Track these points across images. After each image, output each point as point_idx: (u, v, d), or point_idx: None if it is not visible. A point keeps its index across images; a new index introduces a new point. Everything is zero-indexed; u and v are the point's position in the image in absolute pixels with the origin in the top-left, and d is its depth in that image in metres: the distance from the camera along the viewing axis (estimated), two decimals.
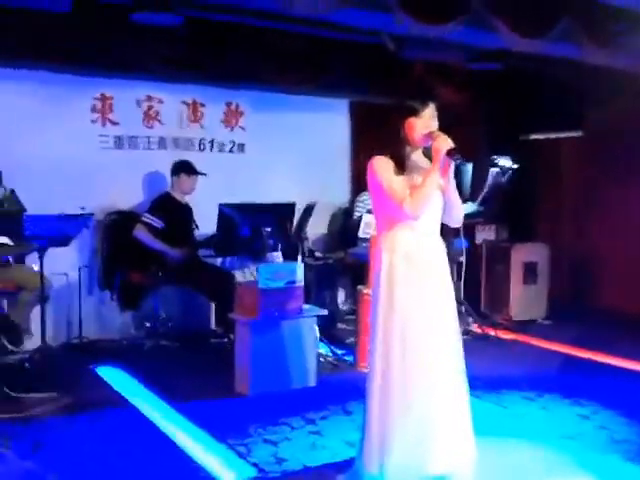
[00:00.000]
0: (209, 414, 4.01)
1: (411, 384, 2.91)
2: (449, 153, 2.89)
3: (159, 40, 5.38)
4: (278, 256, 4.56)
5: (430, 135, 2.95)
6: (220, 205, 4.75)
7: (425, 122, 2.97)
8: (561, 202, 7.05)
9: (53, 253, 4.86)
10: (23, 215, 4.30)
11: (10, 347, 5.00)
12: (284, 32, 5.69)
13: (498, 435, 3.66)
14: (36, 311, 5.05)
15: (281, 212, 5.03)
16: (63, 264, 5.45)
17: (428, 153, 3.02)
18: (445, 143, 2.90)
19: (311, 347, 4.55)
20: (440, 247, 3.06)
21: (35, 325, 4.99)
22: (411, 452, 2.89)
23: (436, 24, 3.81)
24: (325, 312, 4.71)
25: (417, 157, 3.05)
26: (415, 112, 2.98)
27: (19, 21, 4.72)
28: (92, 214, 4.58)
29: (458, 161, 2.95)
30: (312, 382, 4.53)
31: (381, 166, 2.98)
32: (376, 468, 2.92)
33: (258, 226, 4.77)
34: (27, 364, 4.75)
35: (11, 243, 4.40)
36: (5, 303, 5.06)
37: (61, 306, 5.60)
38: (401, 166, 2.98)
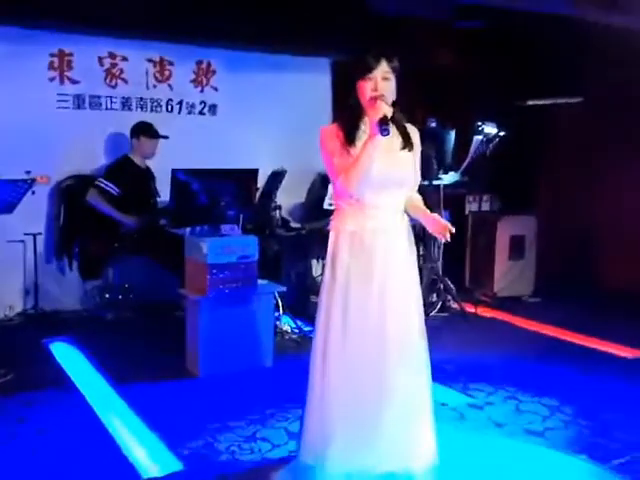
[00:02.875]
0: (152, 398, 3.75)
1: (354, 373, 2.61)
2: (380, 122, 2.44)
3: None
4: (233, 228, 4.22)
5: (371, 101, 2.54)
6: (173, 170, 4.38)
7: (374, 85, 2.56)
8: (557, 172, 6.60)
9: (7, 220, 4.58)
10: None
11: None
12: None
13: (461, 428, 3.37)
14: None
15: (243, 179, 4.64)
16: (18, 231, 5.18)
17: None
18: (379, 111, 2.49)
19: (268, 325, 4.24)
20: (399, 227, 2.68)
21: None
22: (354, 444, 2.59)
23: None
24: (283, 288, 4.39)
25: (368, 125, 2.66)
26: (363, 72, 2.58)
27: None
28: (34, 179, 4.25)
29: (385, 133, 2.50)
30: (268, 363, 4.24)
31: (325, 137, 2.62)
32: (313, 457, 2.63)
33: (216, 194, 4.40)
34: None
35: None
36: None
37: (16, 275, 5.33)
38: (349, 136, 2.60)
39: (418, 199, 2.77)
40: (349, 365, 2.60)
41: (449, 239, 2.64)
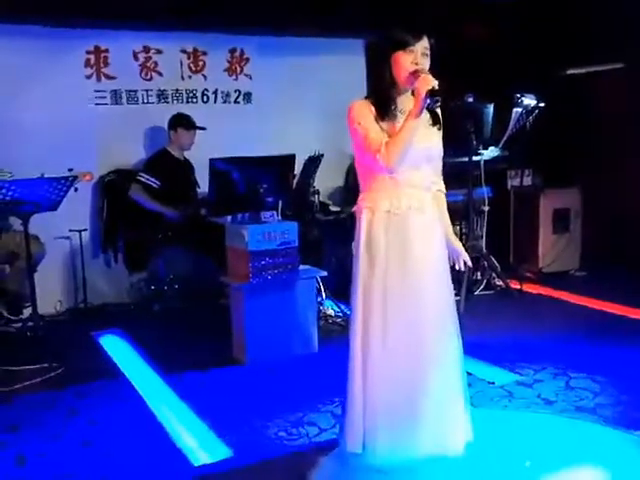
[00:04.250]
0: (200, 387, 3.80)
1: (395, 358, 2.58)
2: (430, 94, 2.44)
3: None
4: (272, 215, 4.22)
5: (416, 73, 2.51)
6: (211, 160, 4.41)
7: (414, 58, 2.52)
8: (599, 143, 6.39)
9: (52, 218, 4.68)
10: None
11: (9, 316, 4.90)
12: None
13: (510, 407, 3.34)
14: (43, 278, 4.94)
15: (280, 165, 4.63)
16: (64, 228, 5.29)
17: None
18: (427, 82, 2.46)
19: (311, 310, 4.25)
20: (429, 203, 2.66)
21: (44, 292, 4.85)
22: (397, 430, 2.57)
23: None
24: (324, 273, 4.39)
25: (404, 100, 2.61)
26: (404, 45, 2.53)
27: None
28: (76, 176, 4.33)
29: (437, 105, 2.50)
30: (314, 348, 4.25)
31: (358, 112, 2.55)
32: (360, 447, 2.63)
33: (254, 182, 4.41)
34: (28, 333, 4.64)
35: None
36: (5, 271, 4.93)
37: (65, 271, 5.46)
38: (383, 110, 2.56)
39: (443, 204, 2.76)
40: (390, 352, 2.56)
41: (463, 269, 2.75)
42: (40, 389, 3.85)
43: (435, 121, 2.62)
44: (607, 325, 4.60)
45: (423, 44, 2.53)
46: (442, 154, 2.71)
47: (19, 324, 4.83)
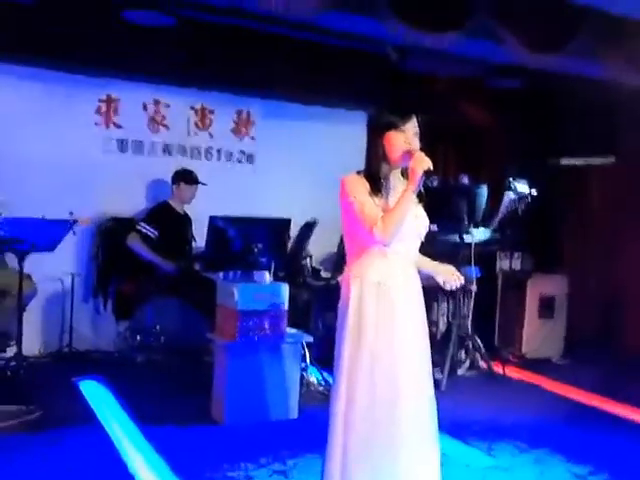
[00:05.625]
0: (175, 442, 3.77)
1: (377, 425, 2.62)
2: (426, 174, 2.56)
3: (167, 42, 5.21)
4: (264, 275, 4.29)
5: (409, 153, 2.65)
6: (211, 217, 4.52)
7: (407, 138, 2.66)
8: (589, 232, 6.57)
9: (47, 258, 4.73)
10: None
11: None
12: (298, 40, 5.48)
13: None
14: (30, 317, 4.95)
15: (276, 228, 4.76)
16: (57, 269, 5.33)
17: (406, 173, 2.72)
18: (423, 162, 2.59)
19: (294, 375, 4.26)
20: (415, 277, 2.76)
21: (29, 332, 4.85)
22: None
23: (433, 32, 3.48)
24: (310, 338, 4.43)
25: (395, 177, 2.75)
26: (395, 126, 2.68)
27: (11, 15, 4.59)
28: (76, 220, 4.40)
29: (434, 183, 2.64)
30: (294, 414, 4.24)
31: (353, 186, 2.66)
32: None
33: (250, 241, 4.50)
34: (9, 373, 4.62)
35: None
36: None
37: (53, 313, 5.46)
38: (376, 186, 2.68)
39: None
40: (374, 417, 2.62)
41: (457, 286, 2.79)
42: (15, 431, 3.80)
43: (420, 198, 2.74)
44: (585, 415, 4.61)
45: (413, 124, 2.68)
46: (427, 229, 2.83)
47: (1, 362, 4.81)
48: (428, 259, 2.88)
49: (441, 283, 2.83)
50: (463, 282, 2.81)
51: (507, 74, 5.20)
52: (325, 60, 5.82)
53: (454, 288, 2.82)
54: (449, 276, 2.81)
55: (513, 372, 5.53)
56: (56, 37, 4.96)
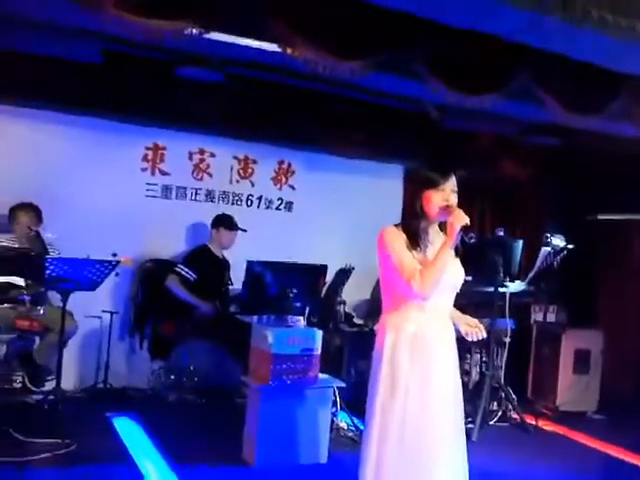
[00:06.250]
0: None
1: (406, 476, 2.65)
2: (464, 230, 2.68)
3: (215, 95, 5.44)
4: (299, 320, 4.37)
5: (447, 209, 2.75)
6: (248, 262, 4.65)
7: (444, 195, 2.76)
8: (624, 288, 6.53)
9: (88, 297, 4.89)
10: (44, 257, 4.30)
11: (31, 387, 5.03)
12: (339, 96, 5.67)
13: None
14: (68, 353, 5.09)
15: (312, 274, 4.86)
16: (97, 308, 5.48)
17: (444, 228, 2.82)
18: (461, 219, 2.69)
19: (325, 420, 4.30)
20: (450, 330, 2.83)
21: (67, 367, 4.99)
22: None
23: (473, 95, 3.61)
24: (343, 384, 4.46)
25: (432, 232, 2.84)
26: (434, 184, 2.78)
27: (69, 72, 4.89)
28: (119, 261, 4.57)
29: (472, 240, 2.72)
30: (323, 459, 4.26)
31: (392, 238, 2.76)
32: None
33: (286, 286, 4.60)
34: (46, 406, 4.74)
35: (22, 283, 4.42)
36: (35, 342, 5.09)
37: (91, 350, 5.60)
38: (414, 240, 2.77)
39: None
40: (404, 463, 2.65)
41: (479, 338, 2.82)
42: (50, 464, 3.89)
43: (457, 253, 2.82)
44: (620, 472, 4.55)
45: (452, 182, 2.78)
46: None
47: (39, 396, 4.94)
48: (456, 310, 2.94)
49: (463, 333, 2.87)
50: (485, 335, 2.86)
51: (545, 132, 5.30)
52: (367, 115, 6.01)
53: (475, 340, 2.86)
54: (471, 328, 2.85)
55: (546, 425, 5.47)
56: (116, 91, 5.26)
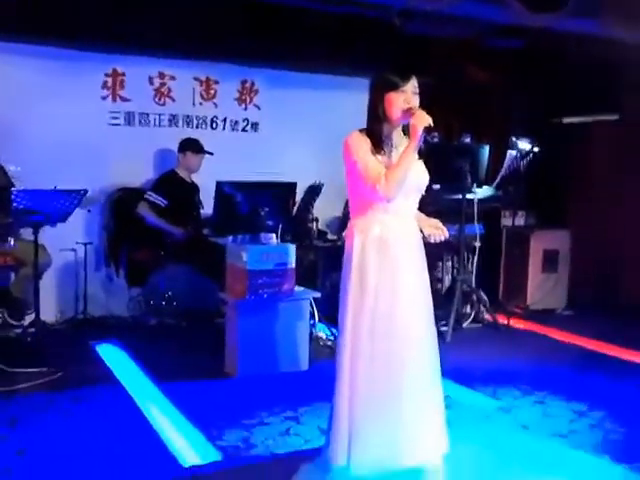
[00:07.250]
0: (192, 395, 3.95)
1: (380, 376, 2.74)
2: (426, 131, 2.69)
3: (172, 15, 5.29)
4: (271, 237, 4.42)
5: (409, 111, 2.75)
6: (218, 182, 4.64)
7: (406, 97, 2.75)
8: (590, 188, 6.64)
9: (61, 230, 4.87)
10: (9, 190, 4.26)
11: (11, 321, 5.07)
12: (298, 9, 5.54)
13: (485, 428, 3.49)
14: (46, 287, 5.11)
15: (282, 192, 4.87)
16: (71, 240, 5.48)
17: (407, 131, 2.83)
18: (424, 120, 2.69)
19: (303, 330, 4.42)
20: (417, 232, 2.86)
21: (46, 300, 5.02)
22: (380, 443, 2.72)
23: None
24: (318, 294, 4.57)
25: (396, 135, 2.84)
26: (394, 86, 2.78)
27: None
28: (86, 190, 4.54)
29: (435, 139, 2.74)
30: (304, 366, 4.41)
31: (356, 145, 2.75)
32: (343, 460, 2.78)
33: (257, 205, 4.63)
34: (29, 339, 4.79)
35: None
36: (11, 277, 5.10)
37: (69, 282, 5.62)
38: (379, 144, 2.77)
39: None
40: (375, 371, 2.72)
41: (442, 239, 2.84)
42: (39, 390, 3.99)
43: (420, 154, 2.83)
44: (586, 359, 4.78)
45: (413, 84, 2.75)
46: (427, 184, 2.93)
47: (20, 329, 4.99)
48: (420, 213, 2.94)
49: (426, 235, 2.88)
50: (447, 236, 2.87)
51: (508, 34, 5.26)
52: (328, 28, 5.89)
53: (438, 241, 2.86)
54: (434, 230, 2.87)
55: (517, 323, 5.68)
56: (59, 13, 5.07)
